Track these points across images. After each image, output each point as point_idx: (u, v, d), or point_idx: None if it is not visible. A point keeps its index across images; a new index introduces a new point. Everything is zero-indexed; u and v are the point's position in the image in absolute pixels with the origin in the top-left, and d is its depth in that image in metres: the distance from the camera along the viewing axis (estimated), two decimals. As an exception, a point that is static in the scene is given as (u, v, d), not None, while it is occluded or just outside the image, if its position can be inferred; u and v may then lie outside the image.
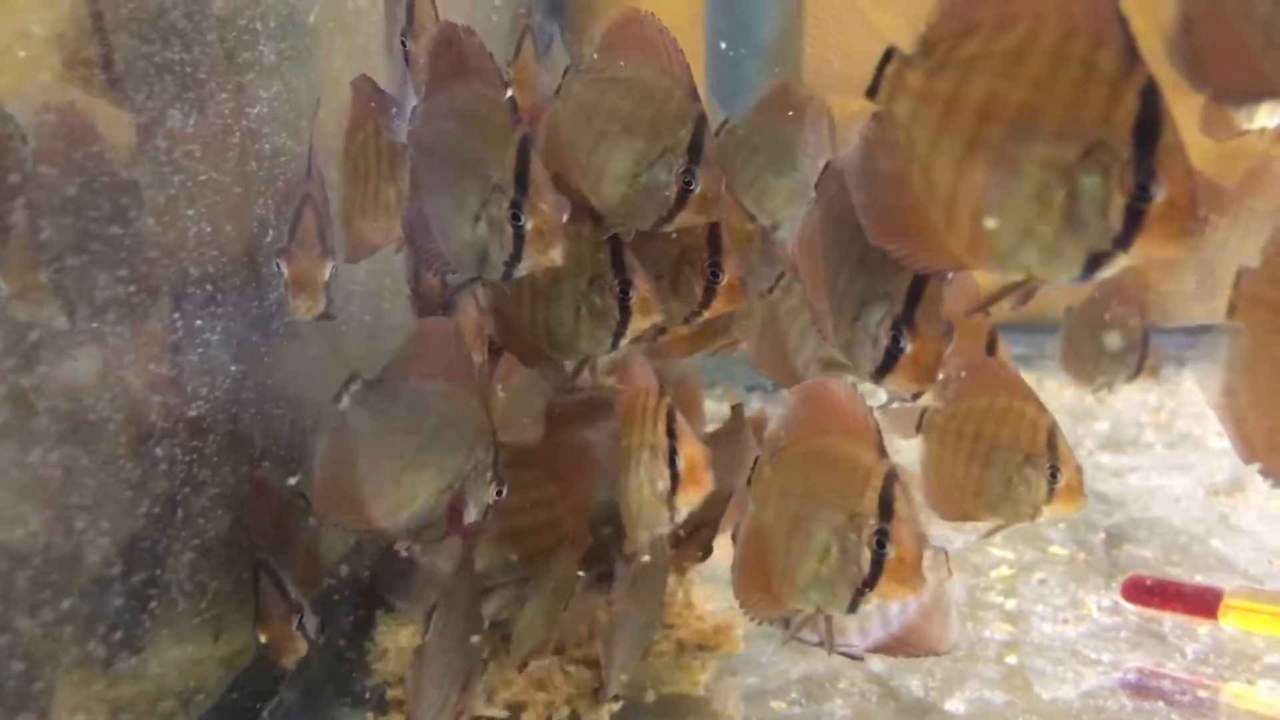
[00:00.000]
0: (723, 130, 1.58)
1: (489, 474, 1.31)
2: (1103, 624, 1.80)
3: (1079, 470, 1.39)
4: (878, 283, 1.16)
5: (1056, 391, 3.10)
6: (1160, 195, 0.90)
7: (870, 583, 1.13)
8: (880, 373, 1.18)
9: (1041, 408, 1.41)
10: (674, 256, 1.39)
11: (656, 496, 1.29)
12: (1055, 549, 2.08)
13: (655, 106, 1.25)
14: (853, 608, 1.17)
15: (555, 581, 1.47)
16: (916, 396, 1.31)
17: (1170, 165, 0.90)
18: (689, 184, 1.24)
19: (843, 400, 1.21)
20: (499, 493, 1.31)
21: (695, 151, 1.24)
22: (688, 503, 1.29)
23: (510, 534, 1.49)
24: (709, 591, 1.81)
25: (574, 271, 1.30)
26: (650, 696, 1.60)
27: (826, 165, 1.24)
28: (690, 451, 1.28)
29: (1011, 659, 1.69)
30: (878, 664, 1.64)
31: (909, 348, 1.15)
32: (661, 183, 1.25)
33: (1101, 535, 2.14)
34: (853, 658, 1.41)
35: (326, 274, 1.42)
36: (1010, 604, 1.87)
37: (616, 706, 1.56)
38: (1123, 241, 0.93)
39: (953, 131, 1.00)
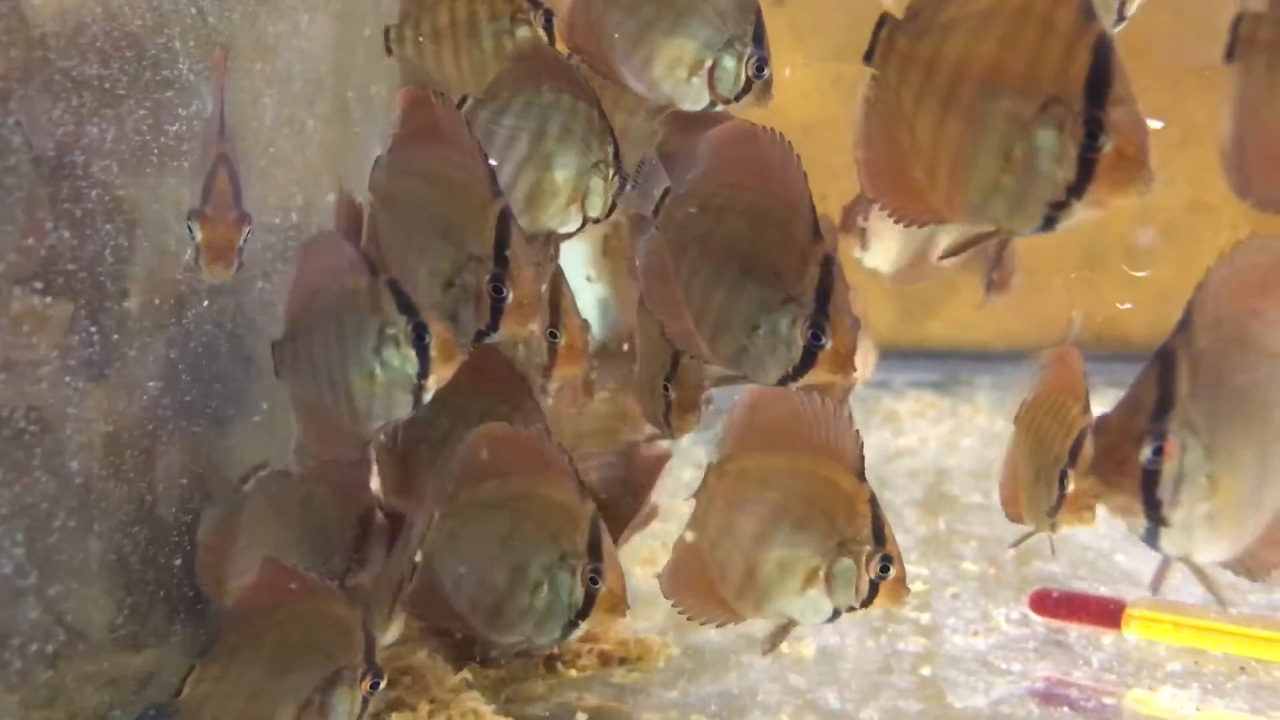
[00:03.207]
0: None
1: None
2: (1012, 635, 1.85)
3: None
4: (775, 290, 1.20)
5: (969, 415, 3.20)
6: (1109, 145, 0.97)
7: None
8: (799, 372, 1.22)
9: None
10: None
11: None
12: (967, 565, 2.14)
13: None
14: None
15: None
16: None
17: (1119, 117, 0.97)
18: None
19: (804, 412, 1.25)
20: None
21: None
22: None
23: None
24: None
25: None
26: (579, 717, 1.61)
27: (667, 191, 1.28)
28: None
29: (925, 670, 1.73)
30: (795, 677, 1.67)
31: (829, 343, 1.19)
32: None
33: (1011, 552, 2.20)
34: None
35: (242, 238, 1.39)
36: (924, 618, 1.90)
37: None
38: (1077, 190, 0.99)
39: (933, 91, 1.07)
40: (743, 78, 1.30)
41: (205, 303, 1.55)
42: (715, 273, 1.22)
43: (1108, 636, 1.81)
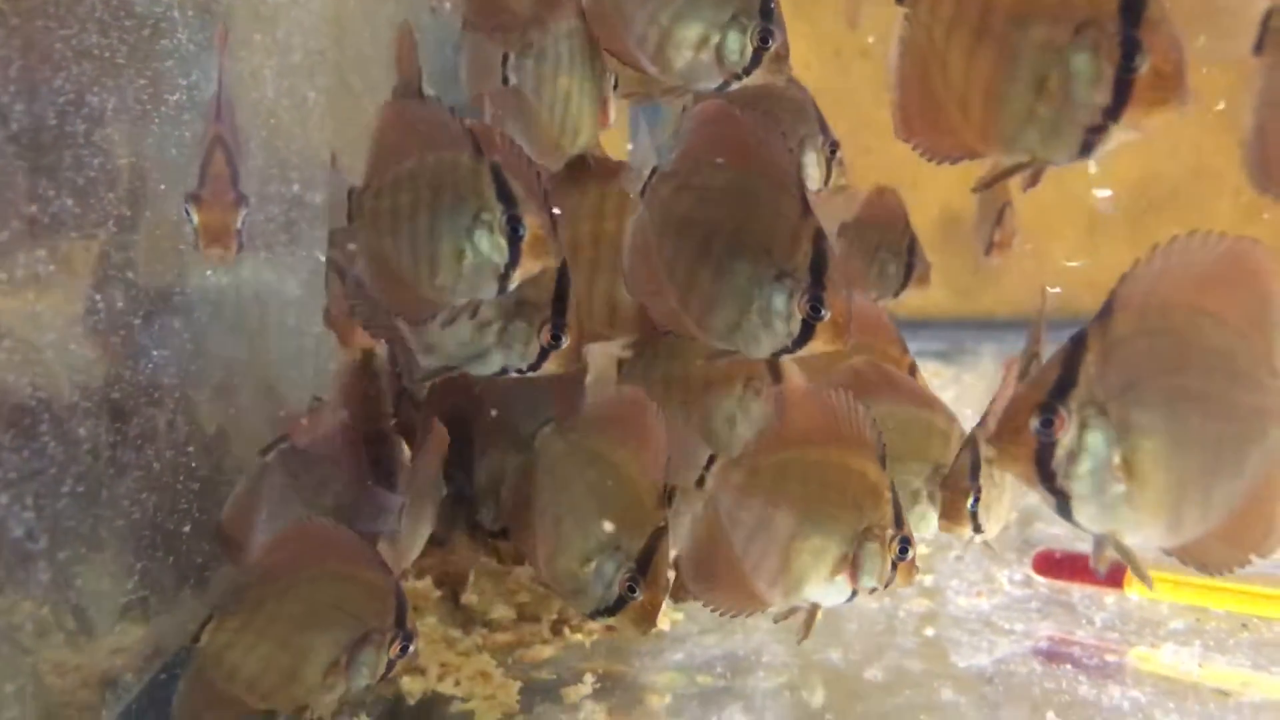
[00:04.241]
0: None
1: None
2: (1015, 596, 1.87)
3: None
4: (768, 266, 1.21)
5: (973, 384, 3.20)
6: (1145, 66, 0.98)
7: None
8: (798, 344, 1.22)
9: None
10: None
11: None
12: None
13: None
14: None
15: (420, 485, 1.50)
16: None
17: (1155, 38, 0.98)
18: None
19: (833, 406, 1.27)
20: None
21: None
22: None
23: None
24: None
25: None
26: (588, 678, 1.62)
27: (654, 170, 1.29)
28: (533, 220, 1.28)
29: (929, 630, 1.75)
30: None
31: (827, 315, 1.19)
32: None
33: (1014, 514, 2.21)
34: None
35: (239, 220, 1.38)
36: (928, 580, 1.92)
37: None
38: (1113, 112, 1.00)
39: (963, 25, 1.07)
40: (749, 50, 1.30)
41: (209, 272, 1.55)
42: (703, 251, 1.23)
43: (1110, 596, 1.83)
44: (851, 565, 1.28)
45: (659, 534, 1.37)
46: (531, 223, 1.26)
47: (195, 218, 1.35)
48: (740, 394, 1.46)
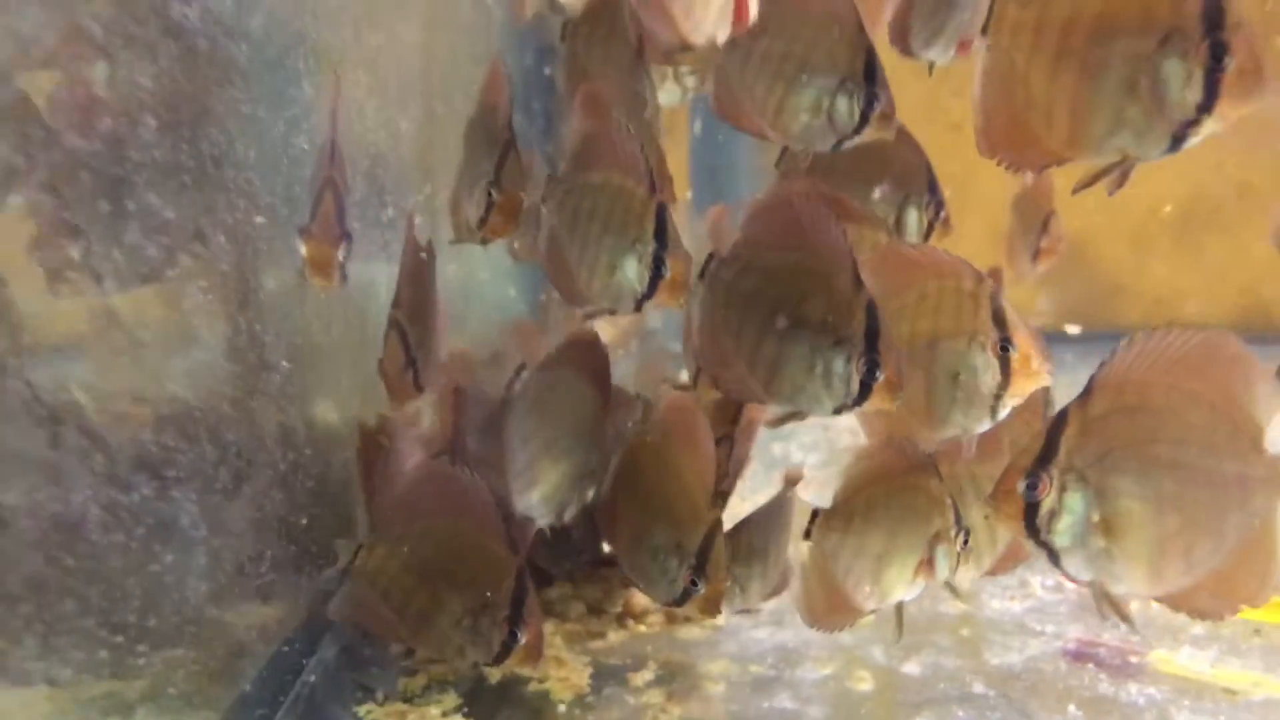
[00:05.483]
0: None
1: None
2: (1047, 600, 2.01)
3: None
4: (826, 335, 1.34)
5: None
6: (1232, 64, 1.11)
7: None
8: (856, 403, 1.37)
9: None
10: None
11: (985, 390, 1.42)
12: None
13: None
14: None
15: None
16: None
17: (1237, 39, 1.11)
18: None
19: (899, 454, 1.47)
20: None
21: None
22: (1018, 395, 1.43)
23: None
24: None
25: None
26: (650, 665, 1.78)
27: (711, 256, 1.44)
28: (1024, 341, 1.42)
29: (965, 631, 1.90)
30: (844, 635, 1.83)
31: (881, 376, 1.34)
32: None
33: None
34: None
35: (342, 254, 1.52)
36: (965, 583, 2.06)
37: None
38: (1206, 107, 1.14)
39: (1044, 48, 1.21)
40: (856, 112, 1.44)
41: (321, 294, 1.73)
42: (767, 324, 1.37)
43: (1135, 601, 1.96)
44: (928, 566, 1.47)
45: (713, 531, 1.53)
46: (674, 265, 1.42)
47: (304, 250, 1.50)
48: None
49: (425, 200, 2.16)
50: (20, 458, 1.11)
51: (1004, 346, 1.40)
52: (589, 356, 1.68)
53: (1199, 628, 1.87)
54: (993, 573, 1.68)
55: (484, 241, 1.63)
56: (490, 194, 1.58)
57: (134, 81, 1.27)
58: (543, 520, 1.61)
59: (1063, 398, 1.26)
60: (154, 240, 1.28)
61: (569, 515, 1.64)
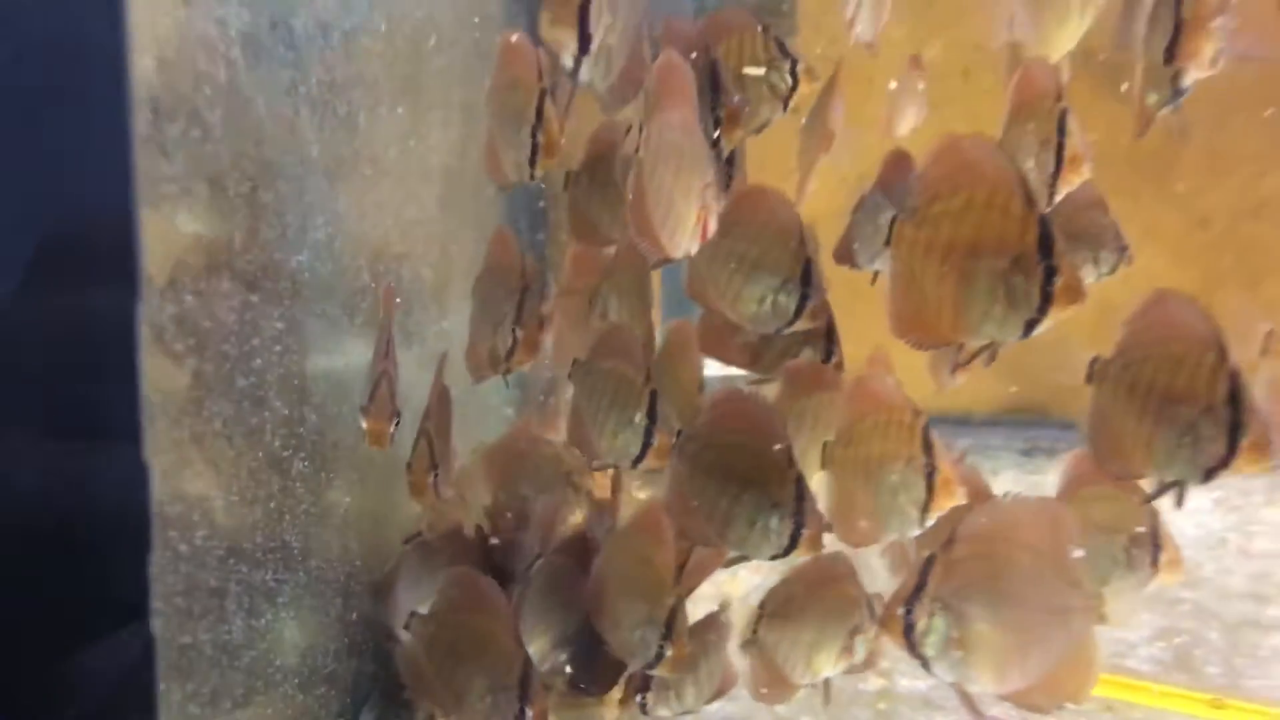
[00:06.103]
0: None
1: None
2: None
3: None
4: (765, 498, 1.65)
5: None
6: (1058, 283, 1.43)
7: None
8: (786, 552, 1.67)
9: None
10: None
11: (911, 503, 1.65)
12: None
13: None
14: None
15: None
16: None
17: (1063, 264, 1.42)
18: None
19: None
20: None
21: None
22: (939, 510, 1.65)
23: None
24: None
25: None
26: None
27: (680, 433, 1.72)
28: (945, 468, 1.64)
29: (882, 705, 2.20)
30: (781, 708, 2.11)
31: (805, 533, 1.64)
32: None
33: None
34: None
35: (392, 428, 1.84)
36: (885, 664, 2.09)
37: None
38: (1042, 310, 1.42)
39: (932, 261, 1.47)
40: (793, 307, 1.75)
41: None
42: (722, 488, 1.69)
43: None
44: (848, 651, 1.81)
45: (677, 606, 1.80)
46: (660, 437, 1.74)
47: (364, 424, 1.83)
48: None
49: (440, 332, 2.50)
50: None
51: (929, 471, 1.65)
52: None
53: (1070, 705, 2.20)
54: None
55: (507, 372, 1.96)
56: (514, 332, 1.93)
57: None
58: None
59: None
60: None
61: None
